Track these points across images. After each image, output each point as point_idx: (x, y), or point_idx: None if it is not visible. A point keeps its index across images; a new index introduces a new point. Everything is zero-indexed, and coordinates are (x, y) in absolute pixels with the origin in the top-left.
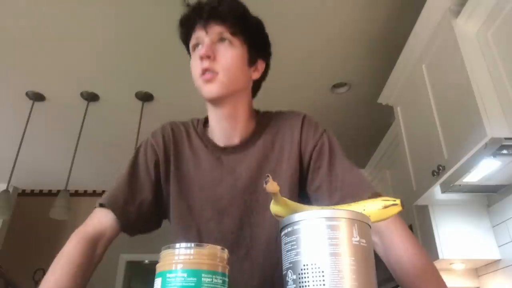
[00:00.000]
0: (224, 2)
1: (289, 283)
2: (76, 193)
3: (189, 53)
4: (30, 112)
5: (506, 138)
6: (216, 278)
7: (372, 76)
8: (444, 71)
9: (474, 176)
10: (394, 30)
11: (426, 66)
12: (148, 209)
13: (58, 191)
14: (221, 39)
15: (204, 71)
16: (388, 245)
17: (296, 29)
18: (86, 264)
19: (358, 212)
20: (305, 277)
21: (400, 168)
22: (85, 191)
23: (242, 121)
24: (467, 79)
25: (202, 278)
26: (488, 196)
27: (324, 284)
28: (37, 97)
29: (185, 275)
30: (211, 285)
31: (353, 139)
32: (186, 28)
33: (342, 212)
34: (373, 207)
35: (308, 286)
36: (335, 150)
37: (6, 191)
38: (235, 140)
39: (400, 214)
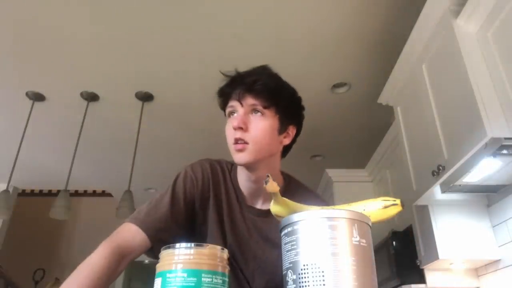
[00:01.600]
0: (260, 78)
1: (289, 283)
2: (76, 193)
3: (225, 114)
4: (30, 112)
5: (506, 138)
6: (216, 278)
7: (372, 76)
8: (444, 71)
9: (474, 176)
10: (394, 30)
11: (426, 66)
12: (176, 239)
13: (58, 191)
14: (254, 111)
15: (236, 140)
16: None
17: (296, 29)
18: (108, 278)
19: (358, 212)
20: (305, 277)
21: (400, 168)
22: (85, 191)
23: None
24: (467, 79)
25: (202, 278)
26: (488, 196)
27: (324, 284)
28: (37, 97)
29: (185, 275)
30: (211, 285)
31: (353, 139)
32: (224, 97)
33: (342, 212)
34: (373, 207)
35: (308, 286)
36: None
37: (6, 191)
38: (258, 203)
39: (400, 214)
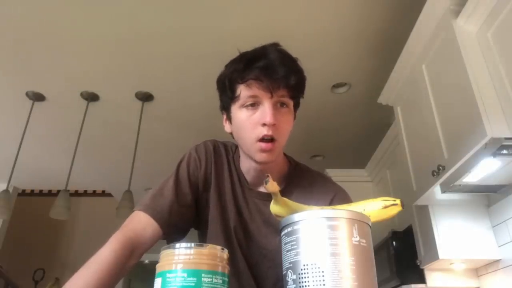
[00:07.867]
0: (292, 69)
1: (289, 283)
2: (76, 193)
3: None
4: (30, 112)
5: (506, 138)
6: (216, 278)
7: (372, 76)
8: (444, 71)
9: (474, 176)
10: (394, 30)
11: (426, 66)
12: (187, 221)
13: (58, 191)
14: (280, 103)
15: (264, 137)
16: None
17: (296, 29)
18: (117, 273)
19: (358, 212)
20: (305, 277)
21: (400, 168)
22: (85, 191)
23: (272, 172)
24: (467, 79)
25: (202, 278)
26: (488, 196)
27: (324, 284)
28: (37, 97)
29: (185, 275)
30: (211, 285)
31: (353, 139)
32: (240, 82)
33: (342, 212)
34: (373, 207)
35: (308, 286)
36: None
37: (6, 191)
38: (260, 186)
39: (400, 214)
